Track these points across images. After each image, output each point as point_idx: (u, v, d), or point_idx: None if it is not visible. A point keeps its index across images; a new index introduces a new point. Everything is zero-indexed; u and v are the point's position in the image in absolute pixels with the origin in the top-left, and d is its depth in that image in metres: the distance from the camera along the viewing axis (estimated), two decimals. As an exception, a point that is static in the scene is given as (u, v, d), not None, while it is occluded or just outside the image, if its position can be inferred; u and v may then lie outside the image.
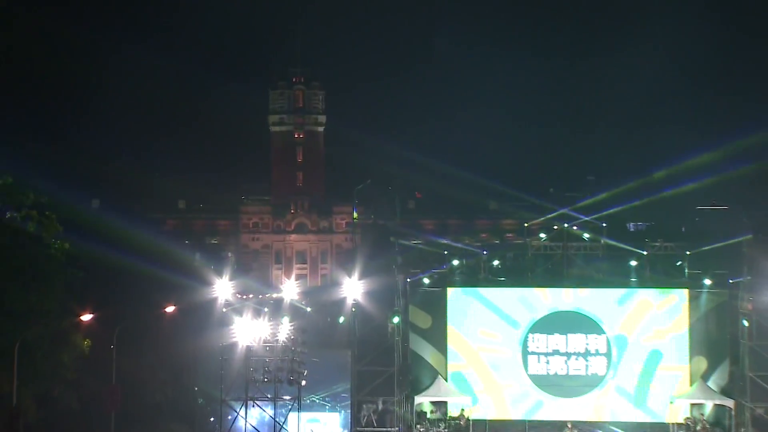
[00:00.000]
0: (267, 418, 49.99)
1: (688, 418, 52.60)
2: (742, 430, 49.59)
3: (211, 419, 50.46)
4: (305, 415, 49.37)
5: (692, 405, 52.56)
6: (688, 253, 54.08)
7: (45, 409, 43.10)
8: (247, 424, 49.82)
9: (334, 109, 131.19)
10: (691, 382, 52.74)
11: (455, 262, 56.23)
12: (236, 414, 49.79)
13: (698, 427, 52.01)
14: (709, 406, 52.41)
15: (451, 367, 54.06)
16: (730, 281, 52.51)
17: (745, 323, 49.78)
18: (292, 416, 49.28)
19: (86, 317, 43.12)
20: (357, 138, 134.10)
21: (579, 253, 55.82)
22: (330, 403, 51.16)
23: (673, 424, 52.92)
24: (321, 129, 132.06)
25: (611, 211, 68.06)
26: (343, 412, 51.58)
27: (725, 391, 51.98)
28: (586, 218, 61.21)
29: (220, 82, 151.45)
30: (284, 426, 49.04)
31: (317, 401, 49.96)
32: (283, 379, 48.23)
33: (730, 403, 50.80)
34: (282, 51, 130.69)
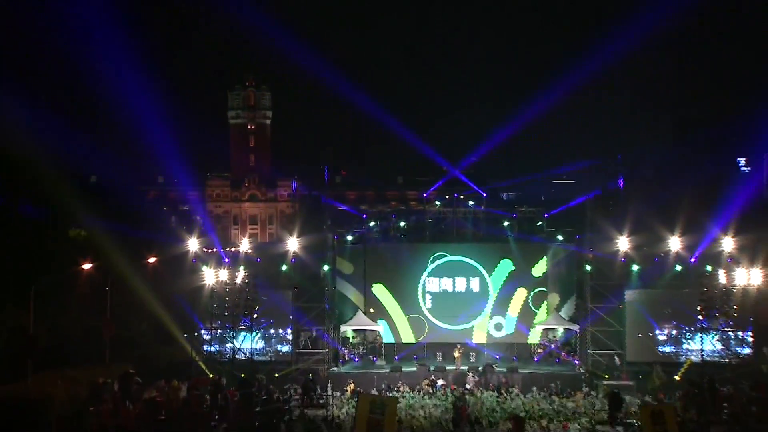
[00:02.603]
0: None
1: (545, 338, 54.09)
2: (584, 347, 50.99)
3: (184, 335, 50.16)
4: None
5: (548, 329, 53.98)
6: (546, 215, 55.29)
7: (55, 337, 42.77)
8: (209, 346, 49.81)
9: (280, 105, 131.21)
10: (548, 313, 54.01)
11: (372, 224, 56.80)
12: (203, 338, 49.87)
13: (552, 346, 53.56)
14: (560, 330, 53.79)
15: (368, 303, 54.74)
16: (577, 237, 53.82)
17: (588, 268, 50.91)
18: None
19: (87, 266, 42.93)
20: (296, 127, 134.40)
21: (465, 216, 56.72)
22: (254, 326, 50.72)
23: (533, 344, 54.26)
24: (268, 122, 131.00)
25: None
26: (262, 331, 51.17)
27: (572, 319, 53.33)
28: (475, 188, 62.19)
29: (190, 86, 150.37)
30: (231, 340, 48.82)
31: (246, 326, 49.33)
32: (239, 313, 48.33)
33: (576, 327, 52.17)
34: (238, 61, 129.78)
